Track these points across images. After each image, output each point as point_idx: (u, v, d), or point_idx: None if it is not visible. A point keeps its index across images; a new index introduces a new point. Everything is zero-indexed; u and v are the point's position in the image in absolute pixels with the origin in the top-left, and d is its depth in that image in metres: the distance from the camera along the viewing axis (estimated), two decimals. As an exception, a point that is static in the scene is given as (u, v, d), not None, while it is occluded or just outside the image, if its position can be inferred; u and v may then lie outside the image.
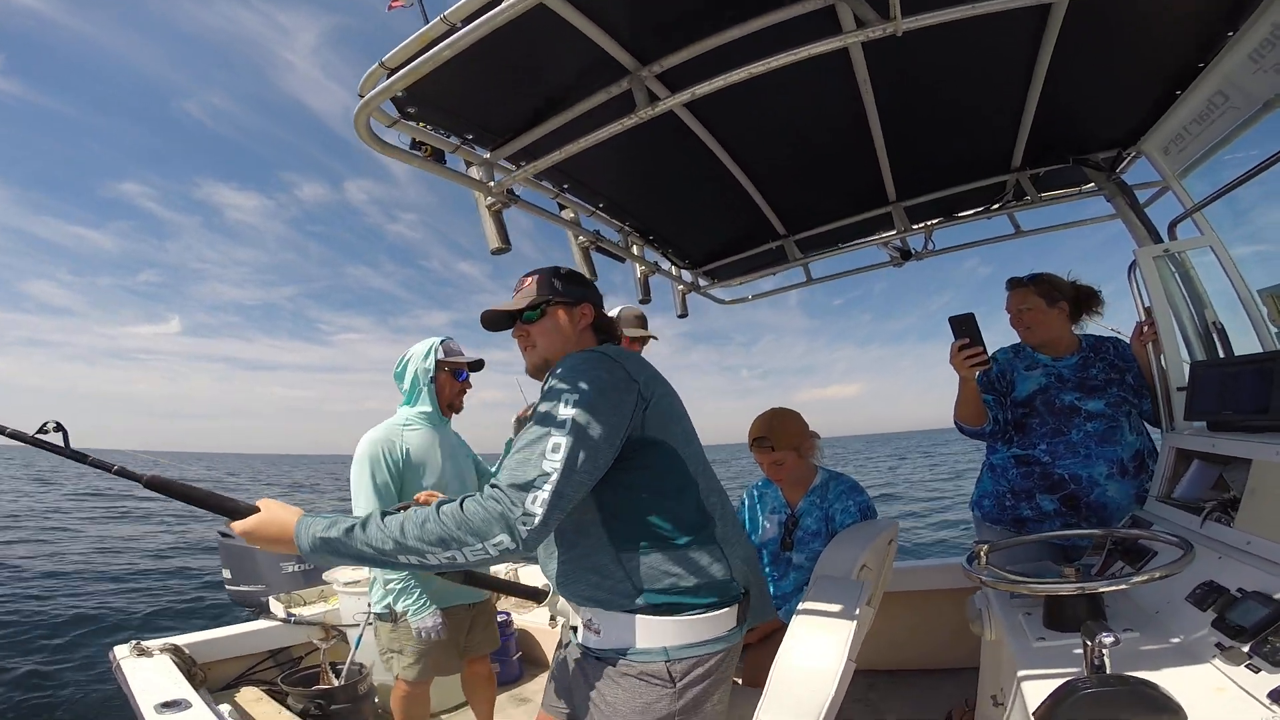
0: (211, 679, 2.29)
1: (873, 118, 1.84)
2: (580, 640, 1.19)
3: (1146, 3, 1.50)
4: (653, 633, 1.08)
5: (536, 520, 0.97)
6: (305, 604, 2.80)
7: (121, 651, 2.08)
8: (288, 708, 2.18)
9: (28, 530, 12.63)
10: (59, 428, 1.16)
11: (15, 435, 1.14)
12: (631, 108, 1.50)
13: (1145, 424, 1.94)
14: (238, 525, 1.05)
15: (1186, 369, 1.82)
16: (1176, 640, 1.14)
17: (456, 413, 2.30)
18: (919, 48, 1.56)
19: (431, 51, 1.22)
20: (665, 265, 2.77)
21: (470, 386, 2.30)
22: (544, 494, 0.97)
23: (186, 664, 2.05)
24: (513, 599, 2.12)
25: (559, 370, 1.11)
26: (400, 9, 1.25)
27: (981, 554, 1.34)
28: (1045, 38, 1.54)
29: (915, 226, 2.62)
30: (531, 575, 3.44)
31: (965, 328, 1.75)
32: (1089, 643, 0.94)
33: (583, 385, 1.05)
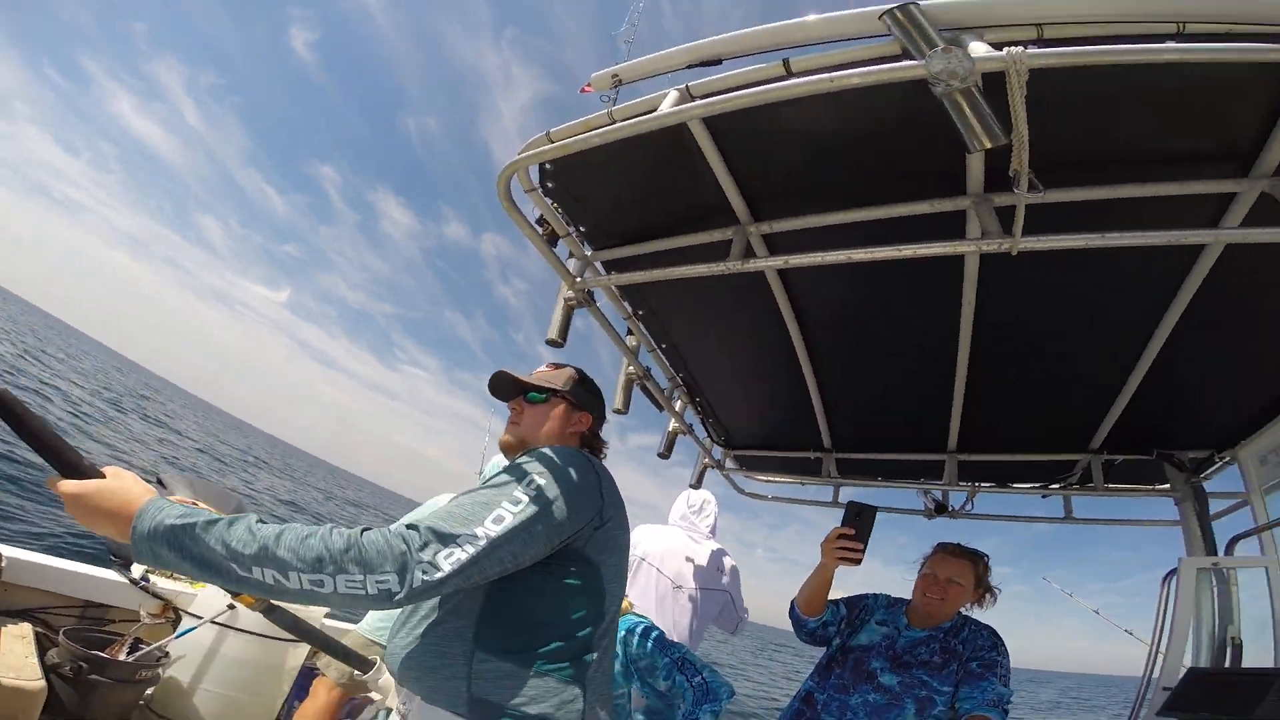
0: (3, 600, 2.02)
1: (962, 355, 1.81)
2: None
3: None
4: None
5: (437, 576, 0.87)
6: (170, 577, 2.44)
7: None
8: (43, 657, 1.82)
9: None
10: None
11: None
12: (724, 257, 1.50)
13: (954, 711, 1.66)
14: (69, 485, 0.84)
15: (1182, 673, 1.77)
16: None
17: None
18: (1032, 289, 1.56)
19: (583, 135, 1.33)
20: (700, 433, 2.67)
21: None
22: (461, 555, 0.89)
23: None
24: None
25: (537, 452, 1.10)
26: (591, 94, 1.41)
27: None
28: (1171, 308, 1.47)
29: (962, 484, 2.48)
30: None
31: (860, 520, 1.65)
32: None
33: (553, 475, 1.04)
